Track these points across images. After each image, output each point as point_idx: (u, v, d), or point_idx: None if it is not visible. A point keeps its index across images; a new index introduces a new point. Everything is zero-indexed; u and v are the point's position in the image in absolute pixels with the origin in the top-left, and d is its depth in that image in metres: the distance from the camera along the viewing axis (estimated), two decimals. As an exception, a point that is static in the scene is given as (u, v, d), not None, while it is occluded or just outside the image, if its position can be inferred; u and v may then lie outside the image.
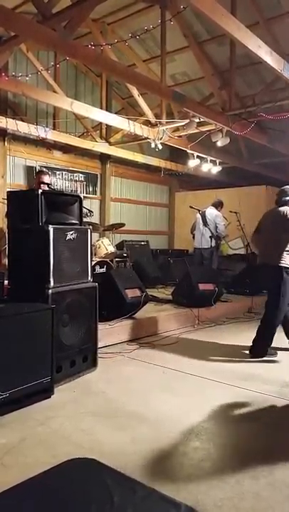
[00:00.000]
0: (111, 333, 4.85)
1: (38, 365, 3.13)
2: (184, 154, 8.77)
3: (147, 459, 2.40)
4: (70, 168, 8.92)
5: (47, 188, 4.59)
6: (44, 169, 7.97)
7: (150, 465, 2.33)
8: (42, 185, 5.17)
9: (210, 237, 7.73)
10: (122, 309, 5.10)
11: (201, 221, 7.84)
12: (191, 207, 8.07)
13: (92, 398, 3.30)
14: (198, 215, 7.94)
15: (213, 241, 7.75)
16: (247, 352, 4.50)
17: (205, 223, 7.74)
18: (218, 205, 8.10)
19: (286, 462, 2.39)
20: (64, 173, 8.76)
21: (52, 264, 3.45)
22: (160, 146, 7.68)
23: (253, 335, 4.45)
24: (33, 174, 7.11)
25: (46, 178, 5.51)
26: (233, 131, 6.80)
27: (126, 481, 1.51)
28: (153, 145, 7.67)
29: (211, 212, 7.89)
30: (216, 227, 7.74)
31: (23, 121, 7.09)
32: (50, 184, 5.89)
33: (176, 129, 7.61)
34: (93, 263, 5.41)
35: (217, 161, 9.04)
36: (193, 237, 8.30)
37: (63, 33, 4.23)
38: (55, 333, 3.30)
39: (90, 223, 6.54)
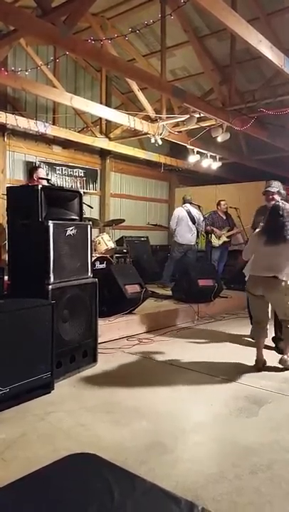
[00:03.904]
0: (111, 328, 4.86)
1: (38, 360, 3.14)
2: (184, 150, 8.73)
3: (147, 454, 2.41)
4: (70, 164, 8.88)
5: (45, 182, 4.56)
6: (38, 163, 7.94)
7: (150, 460, 2.34)
8: (40, 180, 5.12)
9: (201, 233, 7.96)
10: (122, 305, 5.11)
11: (188, 219, 7.90)
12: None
13: (92, 393, 3.31)
14: (183, 213, 7.93)
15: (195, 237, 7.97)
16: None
17: (193, 221, 7.88)
18: (190, 200, 8.25)
19: (285, 457, 2.40)
20: (64, 168, 8.72)
21: (52, 260, 3.45)
22: (160, 142, 7.65)
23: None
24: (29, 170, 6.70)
25: (43, 173, 5.50)
26: (234, 127, 6.77)
27: (126, 476, 1.52)
28: (153, 140, 7.63)
29: (196, 211, 8.03)
30: (198, 223, 7.95)
31: (22, 116, 7.05)
32: (50, 180, 5.86)
33: (176, 125, 7.58)
34: (93, 259, 5.41)
35: (217, 157, 9.00)
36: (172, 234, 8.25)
37: (63, 27, 4.20)
38: (55, 328, 3.30)
39: (89, 219, 6.53)
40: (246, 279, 4.20)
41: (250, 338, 4.70)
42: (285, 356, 3.96)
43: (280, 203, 3.94)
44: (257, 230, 4.11)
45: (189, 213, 7.89)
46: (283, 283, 3.78)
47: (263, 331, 4.05)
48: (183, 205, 8.10)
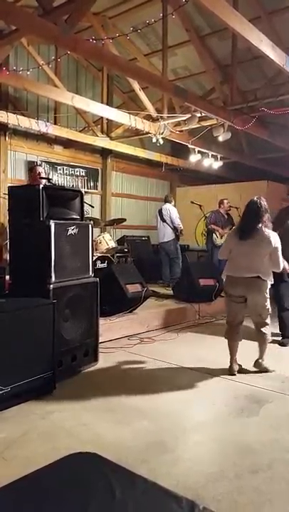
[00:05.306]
0: (112, 328, 4.86)
1: (39, 359, 3.14)
2: (185, 149, 8.72)
3: (148, 453, 2.41)
4: (71, 163, 8.88)
5: (46, 182, 4.57)
6: (40, 162, 7.95)
7: (151, 459, 2.34)
8: (41, 179, 5.10)
9: (173, 230, 8.09)
10: (123, 304, 5.11)
11: (158, 218, 8.20)
12: (192, 202, 8.07)
13: (93, 393, 3.31)
14: (157, 213, 8.32)
15: (173, 234, 8.12)
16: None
17: (162, 219, 8.13)
18: (169, 199, 8.45)
19: (285, 457, 2.40)
20: (65, 168, 8.73)
21: (53, 259, 3.46)
22: (161, 141, 7.64)
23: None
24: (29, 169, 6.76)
25: (42, 171, 5.52)
26: (235, 126, 6.76)
27: (127, 475, 1.52)
28: (154, 140, 7.62)
29: (166, 207, 8.21)
30: (172, 220, 8.10)
31: (24, 115, 7.04)
32: (51, 179, 5.87)
33: (178, 124, 7.57)
34: (94, 258, 5.41)
35: (218, 156, 8.99)
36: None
37: (64, 26, 4.19)
38: (56, 328, 3.31)
39: (91, 218, 6.54)
40: (224, 280, 4.10)
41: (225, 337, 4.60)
42: (260, 360, 3.90)
43: (255, 198, 3.82)
44: (233, 227, 4.00)
45: (160, 212, 8.16)
46: (265, 283, 3.74)
47: (238, 333, 3.98)
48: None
